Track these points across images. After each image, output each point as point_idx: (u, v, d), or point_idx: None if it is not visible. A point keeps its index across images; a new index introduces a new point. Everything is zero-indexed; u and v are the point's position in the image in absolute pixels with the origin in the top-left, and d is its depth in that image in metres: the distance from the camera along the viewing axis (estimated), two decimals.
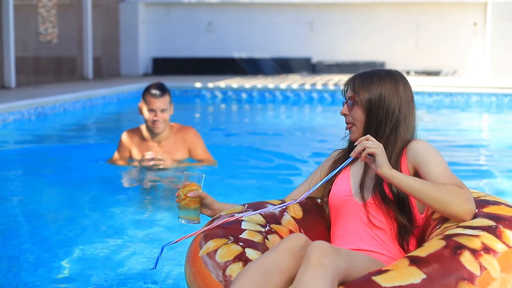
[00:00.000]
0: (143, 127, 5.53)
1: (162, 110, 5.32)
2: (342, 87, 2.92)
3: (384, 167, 2.54)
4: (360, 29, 16.50)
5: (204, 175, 2.90)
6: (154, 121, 5.33)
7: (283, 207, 2.87)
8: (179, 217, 2.90)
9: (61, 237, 4.15)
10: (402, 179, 2.54)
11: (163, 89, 5.35)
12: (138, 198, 5.19)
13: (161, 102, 5.29)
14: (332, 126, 9.80)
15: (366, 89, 2.78)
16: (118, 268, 3.54)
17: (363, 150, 2.56)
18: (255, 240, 2.67)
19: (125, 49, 16.57)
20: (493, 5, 15.68)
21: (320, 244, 2.37)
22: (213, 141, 7.07)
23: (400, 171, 2.71)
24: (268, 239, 2.72)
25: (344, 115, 2.85)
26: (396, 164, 2.73)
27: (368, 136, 2.59)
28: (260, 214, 2.82)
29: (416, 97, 2.87)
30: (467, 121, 10.81)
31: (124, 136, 5.58)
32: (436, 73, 16.01)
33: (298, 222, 2.91)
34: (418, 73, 16.01)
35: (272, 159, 6.76)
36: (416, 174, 2.73)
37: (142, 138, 5.53)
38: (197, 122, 10.19)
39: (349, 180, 2.85)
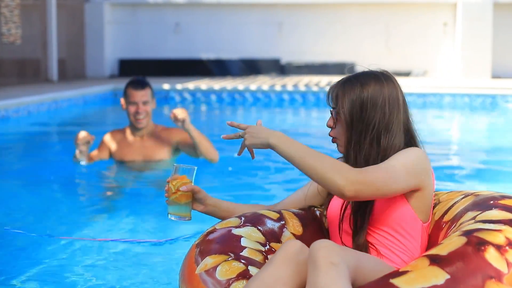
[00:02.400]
0: (127, 127, 5.57)
1: (144, 103, 5.35)
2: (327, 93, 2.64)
3: (263, 142, 2.43)
4: (330, 29, 16.38)
5: (195, 168, 2.70)
6: (136, 113, 5.36)
7: None
8: (168, 214, 2.69)
9: (16, 240, 3.97)
10: (281, 150, 2.40)
11: (144, 82, 5.44)
12: (101, 200, 5.11)
13: (143, 95, 5.35)
14: (304, 127, 9.70)
15: (348, 101, 2.49)
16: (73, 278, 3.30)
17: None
18: (257, 259, 2.47)
19: (90, 50, 16.30)
20: (463, 5, 15.66)
21: (324, 242, 2.17)
22: None
23: None
24: (268, 260, 2.51)
25: (330, 127, 2.58)
26: None
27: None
28: (260, 230, 2.61)
29: None
30: (440, 122, 10.79)
31: (106, 136, 5.65)
32: (406, 74, 15.97)
33: (298, 238, 2.71)
34: None
35: (248, 164, 6.65)
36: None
37: (125, 136, 5.58)
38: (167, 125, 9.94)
39: None
